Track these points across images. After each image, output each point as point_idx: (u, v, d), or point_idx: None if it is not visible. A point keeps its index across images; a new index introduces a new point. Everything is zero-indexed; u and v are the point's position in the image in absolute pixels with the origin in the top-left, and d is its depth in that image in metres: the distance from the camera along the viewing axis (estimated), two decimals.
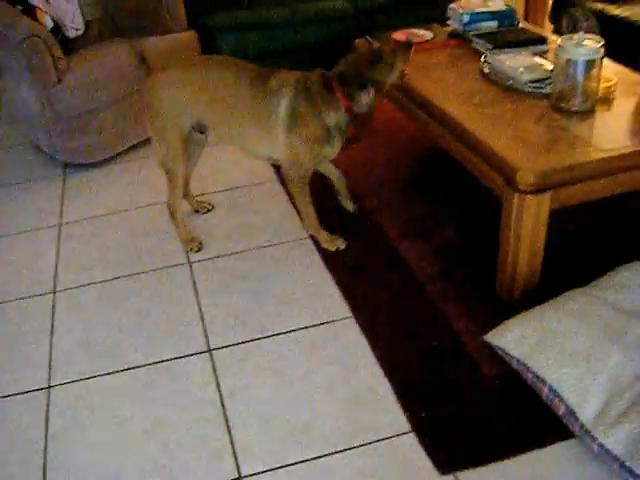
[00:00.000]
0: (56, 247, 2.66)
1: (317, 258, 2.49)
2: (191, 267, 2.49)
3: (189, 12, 3.55)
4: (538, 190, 1.98)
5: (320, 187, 2.70)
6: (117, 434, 1.83)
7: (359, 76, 2.27)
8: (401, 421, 1.80)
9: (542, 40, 2.85)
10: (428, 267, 2.38)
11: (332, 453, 1.73)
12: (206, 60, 2.65)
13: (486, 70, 2.63)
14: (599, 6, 3.37)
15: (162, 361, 2.06)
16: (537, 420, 1.77)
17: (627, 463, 1.56)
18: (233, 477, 1.68)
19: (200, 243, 2.59)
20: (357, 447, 1.74)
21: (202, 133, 2.49)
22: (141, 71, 3.14)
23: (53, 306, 2.33)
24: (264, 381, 1.96)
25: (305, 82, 2.32)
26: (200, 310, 2.26)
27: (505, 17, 3.02)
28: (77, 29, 3.33)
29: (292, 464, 1.70)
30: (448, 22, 3.16)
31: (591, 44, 2.22)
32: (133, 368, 2.04)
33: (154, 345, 2.13)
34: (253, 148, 2.47)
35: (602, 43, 2.23)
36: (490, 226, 2.57)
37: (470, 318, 2.13)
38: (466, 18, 3.00)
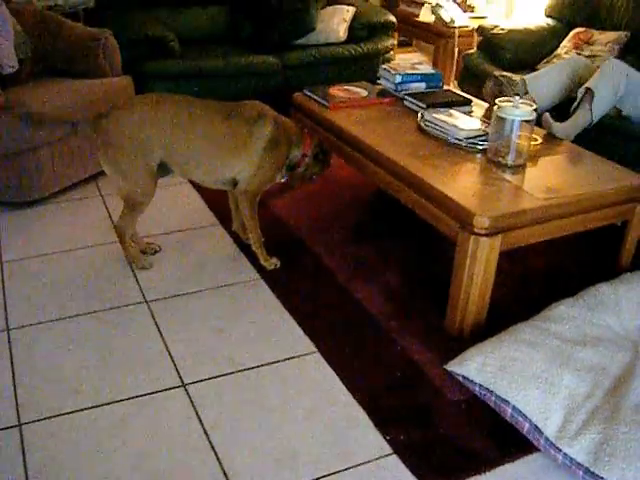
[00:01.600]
0: (1, 285, 2.57)
1: (272, 297, 2.58)
2: (149, 306, 2.49)
3: (124, 58, 3.60)
4: (491, 233, 2.21)
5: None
6: (103, 469, 1.80)
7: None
8: (382, 444, 1.91)
9: (468, 102, 3.18)
10: (380, 306, 2.54)
11: (323, 476, 1.80)
12: (166, 98, 2.65)
13: (424, 126, 2.90)
14: (506, 74, 3.79)
15: (136, 397, 2.05)
16: (503, 438, 1.95)
17: (592, 468, 1.76)
18: None
19: (148, 262, 2.73)
20: (346, 470, 1.83)
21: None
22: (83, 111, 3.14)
23: (9, 344, 2.25)
24: (244, 413, 2.01)
25: (280, 119, 2.68)
26: (166, 347, 2.28)
27: (433, 79, 3.34)
28: (12, 67, 3.28)
29: None
30: (379, 81, 3.43)
31: (526, 107, 2.54)
32: (107, 404, 2.02)
33: (124, 382, 2.11)
34: (219, 173, 2.64)
35: (535, 107, 2.55)
36: (432, 266, 2.81)
37: (426, 350, 2.30)
38: (399, 78, 3.28)
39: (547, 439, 1.87)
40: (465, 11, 4.90)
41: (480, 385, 2.05)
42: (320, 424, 1.98)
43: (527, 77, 3.24)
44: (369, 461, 1.86)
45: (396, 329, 2.42)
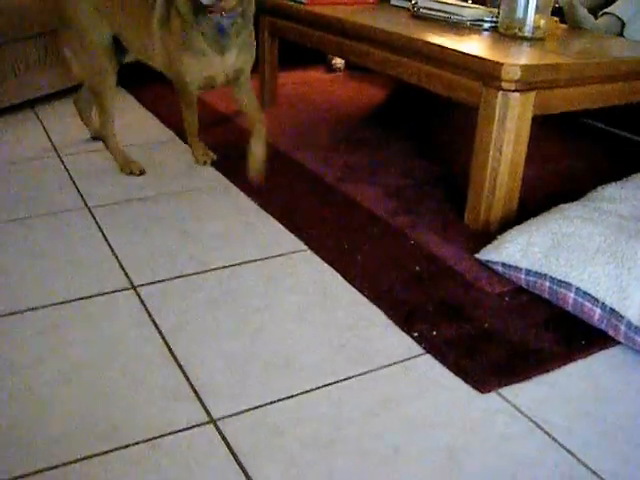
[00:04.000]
0: None
1: (246, 200, 2.07)
2: (91, 210, 1.96)
3: None
4: (523, 88, 1.74)
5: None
6: (25, 384, 1.26)
7: None
8: (409, 344, 1.41)
9: None
10: (384, 205, 2.05)
11: (333, 383, 1.29)
12: None
13: (419, 12, 2.43)
14: None
15: (74, 300, 1.51)
16: (567, 331, 1.46)
17: None
18: (203, 420, 1.19)
19: (141, 167, 2.28)
20: (366, 373, 1.32)
21: None
22: None
23: None
24: (215, 315, 1.49)
25: None
26: (112, 250, 1.74)
27: None
28: None
29: (281, 400, 1.24)
30: None
31: None
32: (38, 308, 1.47)
33: (59, 285, 1.57)
34: (157, 60, 2.17)
35: None
36: (439, 168, 2.35)
37: (447, 245, 1.81)
38: None
39: (630, 324, 1.39)
40: None
41: (528, 270, 1.57)
42: (320, 325, 1.47)
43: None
44: (394, 363, 1.35)
45: (406, 224, 1.92)
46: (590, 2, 2.80)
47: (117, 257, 1.70)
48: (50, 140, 2.54)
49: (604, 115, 2.87)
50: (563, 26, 2.42)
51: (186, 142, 2.42)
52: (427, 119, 2.93)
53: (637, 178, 1.93)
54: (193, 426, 1.17)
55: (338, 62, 3.71)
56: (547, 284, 1.53)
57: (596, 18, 2.58)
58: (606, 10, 2.59)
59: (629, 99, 2.03)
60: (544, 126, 2.65)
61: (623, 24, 2.49)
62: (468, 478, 1.08)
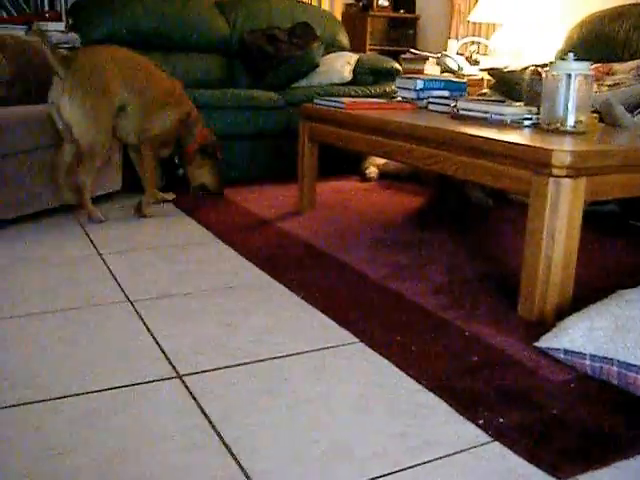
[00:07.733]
0: None
1: (294, 298, 2.03)
2: (133, 305, 1.93)
3: None
4: (574, 174, 1.73)
5: None
6: (58, 474, 1.18)
7: None
8: (475, 432, 1.31)
9: (503, 101, 2.80)
10: (433, 300, 1.99)
11: (398, 471, 1.19)
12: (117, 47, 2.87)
13: (458, 112, 2.49)
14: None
15: (112, 388, 1.45)
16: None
17: None
18: None
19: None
20: (429, 462, 1.22)
21: None
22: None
23: None
24: (266, 404, 1.41)
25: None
26: (156, 341, 1.70)
27: (457, 88, 2.96)
28: None
29: None
30: (395, 95, 3.08)
31: (582, 63, 2.13)
32: (73, 396, 1.41)
33: (98, 374, 1.51)
34: None
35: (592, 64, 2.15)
36: (483, 265, 2.30)
37: (504, 336, 1.74)
38: (420, 84, 2.91)
39: None
40: (471, 65, 4.68)
41: (593, 356, 1.48)
42: (378, 414, 1.38)
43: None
44: (461, 451, 1.25)
45: (458, 317, 1.86)
46: (625, 101, 2.86)
47: (161, 347, 1.65)
48: (91, 241, 2.57)
49: None
50: (602, 124, 2.45)
51: (224, 241, 2.45)
52: (466, 222, 2.93)
53: None
54: None
55: (372, 171, 3.78)
56: (615, 369, 1.44)
57: (633, 117, 2.61)
58: None
59: None
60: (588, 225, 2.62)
61: None
62: None
